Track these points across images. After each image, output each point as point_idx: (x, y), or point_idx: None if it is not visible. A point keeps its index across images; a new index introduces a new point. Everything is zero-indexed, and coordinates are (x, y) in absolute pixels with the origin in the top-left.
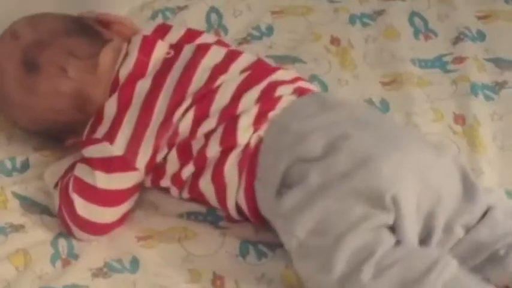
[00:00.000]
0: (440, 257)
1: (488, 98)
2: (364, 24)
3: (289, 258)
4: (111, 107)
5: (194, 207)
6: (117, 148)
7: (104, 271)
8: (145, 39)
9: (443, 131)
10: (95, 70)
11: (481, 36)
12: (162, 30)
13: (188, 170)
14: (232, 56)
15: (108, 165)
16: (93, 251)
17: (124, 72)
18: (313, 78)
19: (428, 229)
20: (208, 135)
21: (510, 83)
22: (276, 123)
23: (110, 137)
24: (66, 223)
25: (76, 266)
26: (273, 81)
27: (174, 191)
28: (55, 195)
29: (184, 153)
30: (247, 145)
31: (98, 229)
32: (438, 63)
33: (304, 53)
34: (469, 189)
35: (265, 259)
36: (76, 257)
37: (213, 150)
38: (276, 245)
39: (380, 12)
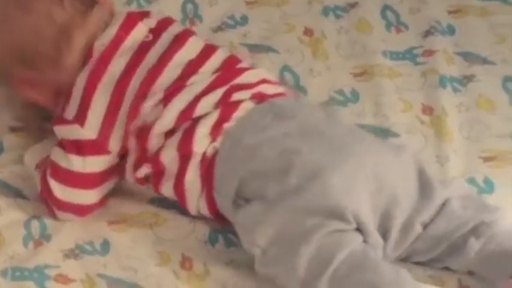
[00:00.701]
0: (397, 276)
1: (456, 90)
2: (337, 16)
3: None
4: (81, 81)
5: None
6: (89, 131)
7: (75, 252)
8: (129, 15)
9: (412, 121)
10: (85, 18)
11: (451, 30)
12: (144, 13)
13: (143, 170)
14: (207, 53)
15: (81, 148)
16: (65, 233)
17: (99, 45)
18: (285, 68)
19: (385, 229)
20: (167, 136)
21: (478, 77)
22: (230, 136)
23: (80, 118)
24: (49, 206)
25: (48, 247)
26: (235, 85)
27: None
28: (36, 178)
29: (142, 150)
30: (204, 155)
31: (79, 210)
32: (408, 55)
33: (277, 43)
34: (425, 186)
35: (234, 248)
36: (48, 238)
37: (170, 155)
38: None
39: (353, 5)
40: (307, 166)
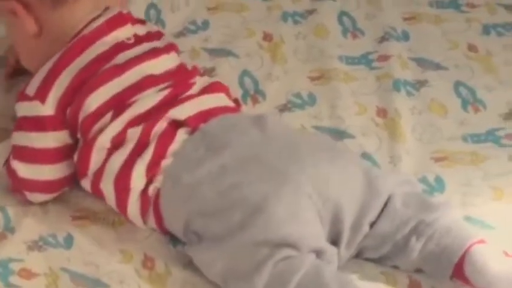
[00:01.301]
0: None
1: (409, 94)
2: (296, 22)
3: None
4: (49, 63)
5: None
6: (48, 108)
7: (38, 244)
8: (120, 14)
9: (367, 124)
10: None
11: (405, 36)
12: (140, 21)
13: (86, 184)
14: (171, 72)
15: (41, 124)
16: (29, 225)
17: (84, 32)
18: (245, 73)
19: (336, 234)
20: (107, 156)
21: (430, 82)
22: (169, 176)
23: (41, 96)
24: (21, 193)
25: (12, 240)
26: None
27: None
28: (6, 173)
29: (85, 154)
30: (144, 193)
31: (46, 187)
32: (364, 60)
33: (237, 48)
34: (370, 184)
35: None
36: (12, 230)
37: (107, 186)
38: None
39: (311, 11)
40: (248, 200)
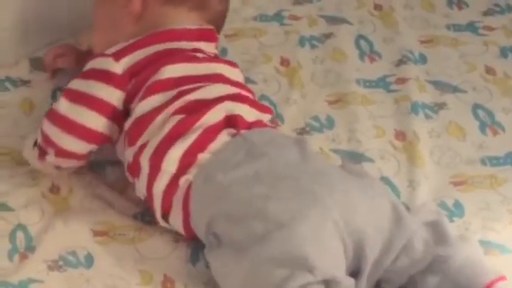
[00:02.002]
0: None
1: (427, 117)
2: (313, 46)
3: None
4: (140, 36)
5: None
6: (119, 67)
7: (59, 264)
8: (211, 31)
9: (385, 147)
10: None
11: (422, 59)
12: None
13: (129, 154)
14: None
15: (107, 77)
16: (49, 241)
17: (176, 27)
18: (263, 98)
19: (357, 265)
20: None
21: (449, 105)
22: (203, 171)
23: (118, 56)
24: (49, 149)
25: (32, 259)
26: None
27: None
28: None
29: (143, 123)
30: (174, 180)
31: (80, 133)
32: (382, 83)
33: (255, 74)
34: (399, 223)
35: None
36: (33, 249)
37: (146, 156)
38: None
39: (328, 35)
40: (274, 215)
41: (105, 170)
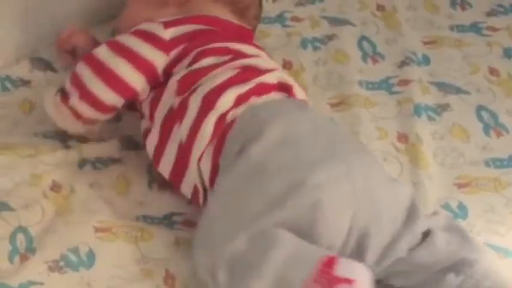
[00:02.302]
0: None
1: (430, 119)
2: (315, 48)
3: None
4: (196, 13)
5: (150, 211)
6: (167, 34)
7: (59, 265)
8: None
9: (387, 149)
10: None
11: (426, 60)
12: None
13: (175, 100)
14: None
15: (154, 39)
16: (50, 242)
17: (220, 17)
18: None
19: (361, 247)
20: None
21: (452, 106)
22: (253, 109)
23: (167, 25)
24: (81, 83)
25: (33, 260)
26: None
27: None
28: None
29: (195, 76)
30: (223, 117)
31: (110, 81)
32: (384, 85)
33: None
34: (411, 213)
35: None
36: (33, 251)
37: (199, 95)
38: None
39: (331, 37)
40: (305, 154)
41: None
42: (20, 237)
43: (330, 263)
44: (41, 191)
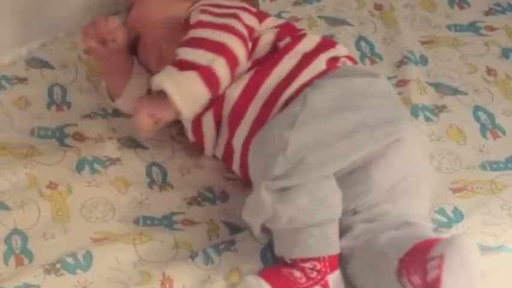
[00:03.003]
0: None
1: (428, 119)
2: None
3: (236, 260)
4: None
5: (149, 211)
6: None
7: (56, 267)
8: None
9: None
10: None
11: (423, 60)
12: None
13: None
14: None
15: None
16: (48, 246)
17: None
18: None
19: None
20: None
21: (449, 107)
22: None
23: (262, 16)
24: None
25: (28, 263)
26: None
27: None
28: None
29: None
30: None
31: (217, 47)
32: None
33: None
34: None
35: (211, 265)
36: (29, 253)
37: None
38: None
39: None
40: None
41: None
42: (16, 238)
43: None
44: (37, 190)
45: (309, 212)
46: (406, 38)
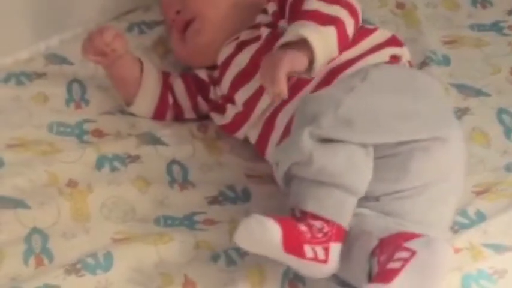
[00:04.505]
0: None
1: None
2: None
3: (259, 262)
4: None
5: (170, 211)
6: None
7: (76, 267)
8: None
9: None
10: None
11: (446, 60)
12: None
13: None
14: None
15: None
16: (68, 247)
17: None
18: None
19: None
20: None
21: (472, 110)
22: None
23: None
24: None
25: (49, 264)
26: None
27: None
28: None
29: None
30: None
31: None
32: None
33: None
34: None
35: (233, 267)
36: (49, 253)
37: None
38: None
39: None
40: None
41: None
42: (36, 237)
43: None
44: (56, 189)
45: (340, 170)
46: (429, 38)
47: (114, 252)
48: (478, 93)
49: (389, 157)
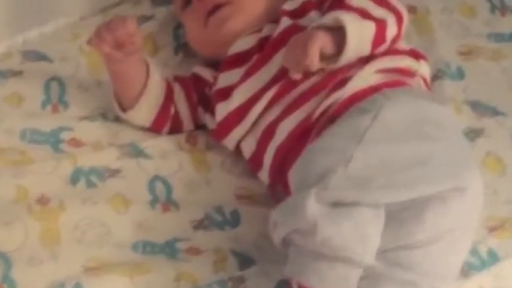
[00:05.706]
0: None
1: None
2: None
3: None
4: None
5: (150, 235)
6: None
7: None
8: None
9: None
10: None
11: (460, 74)
12: None
13: None
14: None
15: None
16: (34, 274)
17: None
18: None
19: None
20: None
21: (487, 131)
22: None
23: None
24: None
25: None
26: None
27: None
28: None
29: None
30: None
31: None
32: None
33: None
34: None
35: None
36: (13, 282)
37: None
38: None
39: None
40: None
41: None
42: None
43: None
44: (25, 206)
45: (346, 242)
46: (443, 48)
47: (84, 284)
48: (494, 112)
49: (402, 210)
